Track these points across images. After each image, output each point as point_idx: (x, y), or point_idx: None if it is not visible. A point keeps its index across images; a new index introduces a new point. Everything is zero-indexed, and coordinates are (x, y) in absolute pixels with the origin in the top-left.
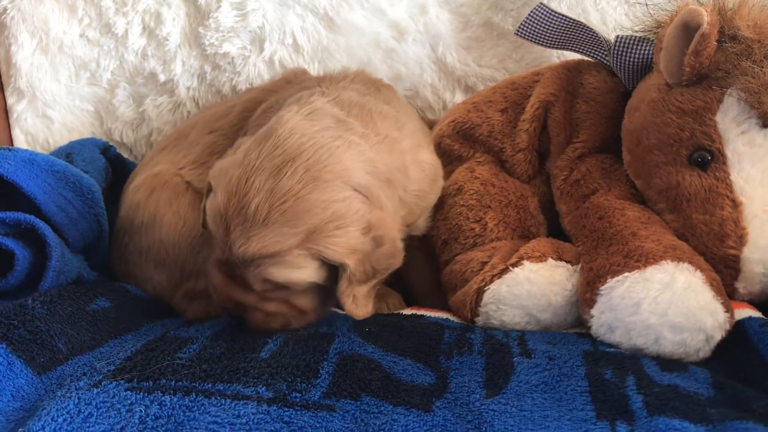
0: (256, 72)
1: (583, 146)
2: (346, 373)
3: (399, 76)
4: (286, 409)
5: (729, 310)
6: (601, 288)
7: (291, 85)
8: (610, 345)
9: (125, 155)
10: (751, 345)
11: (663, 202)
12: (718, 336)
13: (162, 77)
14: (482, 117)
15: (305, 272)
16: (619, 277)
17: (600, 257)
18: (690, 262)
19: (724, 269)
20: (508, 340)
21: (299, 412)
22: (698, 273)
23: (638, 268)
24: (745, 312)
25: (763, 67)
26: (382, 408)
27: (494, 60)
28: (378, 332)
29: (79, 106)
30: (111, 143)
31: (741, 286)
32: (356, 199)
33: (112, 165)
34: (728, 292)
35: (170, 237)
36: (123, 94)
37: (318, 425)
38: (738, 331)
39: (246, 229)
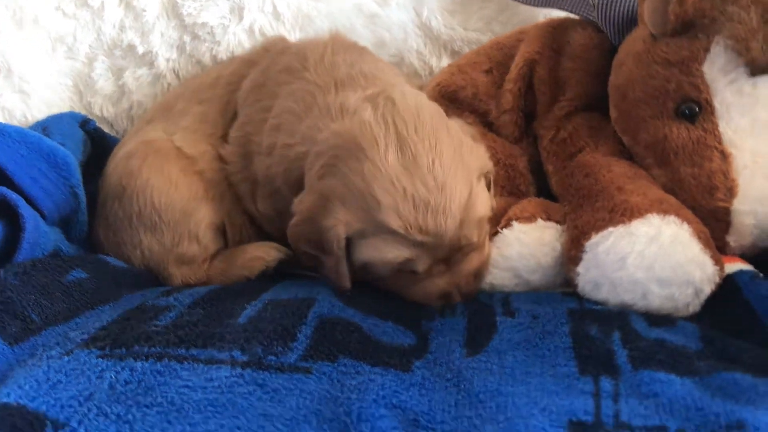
0: (236, 41)
1: (570, 104)
2: (324, 335)
3: (383, 42)
4: (261, 371)
5: (718, 262)
6: (586, 244)
7: (269, 53)
8: (597, 303)
9: (106, 130)
10: (741, 297)
11: (650, 157)
12: (708, 289)
13: (140, 49)
14: (466, 79)
15: (486, 194)
16: (604, 232)
17: (585, 214)
18: (677, 215)
19: (713, 223)
20: (491, 302)
21: (274, 375)
22: (685, 225)
23: (623, 222)
24: (736, 266)
25: (749, 12)
26: (360, 369)
27: (480, 23)
28: (360, 297)
29: (56, 80)
30: (91, 117)
31: (732, 240)
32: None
33: (92, 139)
34: (719, 247)
35: (162, 200)
36: (101, 68)
37: (293, 387)
38: (728, 284)
39: (435, 197)
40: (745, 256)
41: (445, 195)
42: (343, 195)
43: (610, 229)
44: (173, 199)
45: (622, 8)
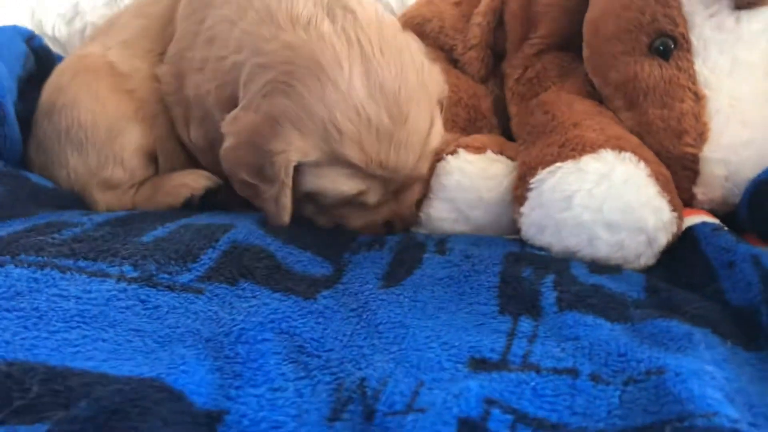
0: None
1: (541, 42)
2: (231, 259)
3: None
4: (147, 288)
5: (677, 209)
6: (531, 181)
7: None
8: (541, 249)
9: (60, 52)
10: (698, 248)
11: (620, 98)
12: (663, 239)
13: None
14: (434, 11)
15: (441, 123)
16: (551, 168)
17: (535, 149)
18: (634, 152)
19: (680, 171)
20: (426, 240)
21: (160, 292)
22: (642, 165)
23: (573, 157)
24: (699, 218)
25: None
26: (258, 293)
27: None
28: (288, 228)
29: None
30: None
31: (700, 192)
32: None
33: (38, 57)
34: (685, 199)
35: (88, 119)
36: None
37: (177, 305)
38: (687, 236)
39: (398, 129)
40: (716, 214)
41: (407, 128)
42: (298, 118)
43: (558, 164)
44: (99, 117)
45: None
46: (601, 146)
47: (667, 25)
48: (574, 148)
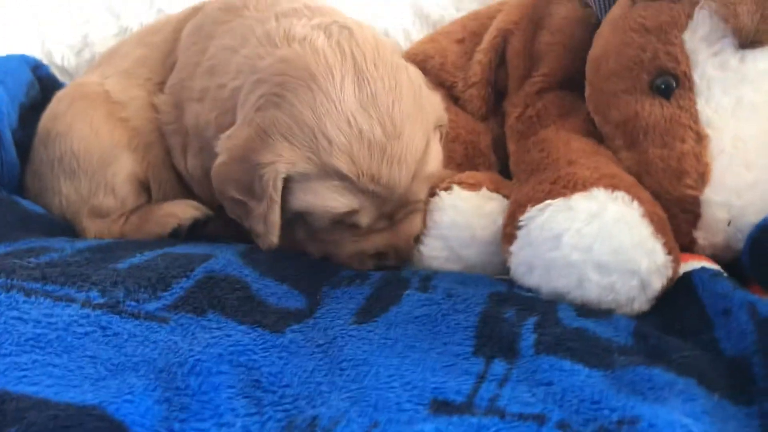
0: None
1: (543, 80)
2: (203, 290)
3: (368, 19)
4: (111, 315)
5: (673, 252)
6: (521, 218)
7: (199, 10)
8: (530, 290)
9: (68, 83)
10: (694, 294)
11: (620, 137)
12: (657, 283)
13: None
14: (437, 48)
15: (439, 149)
16: (541, 205)
17: (527, 186)
18: (628, 192)
19: (680, 213)
20: (410, 276)
21: (123, 320)
22: (635, 204)
23: (564, 194)
24: (698, 263)
25: None
26: (223, 324)
27: (474, 4)
28: (263, 257)
29: (19, 21)
30: (48, 64)
31: (701, 236)
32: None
33: (43, 85)
34: (686, 243)
35: (81, 147)
36: (66, 15)
37: (138, 333)
38: (684, 281)
39: (392, 143)
40: (720, 261)
41: (402, 142)
42: (289, 129)
43: (548, 201)
44: (92, 145)
45: None
46: (594, 184)
47: (669, 63)
48: (566, 186)
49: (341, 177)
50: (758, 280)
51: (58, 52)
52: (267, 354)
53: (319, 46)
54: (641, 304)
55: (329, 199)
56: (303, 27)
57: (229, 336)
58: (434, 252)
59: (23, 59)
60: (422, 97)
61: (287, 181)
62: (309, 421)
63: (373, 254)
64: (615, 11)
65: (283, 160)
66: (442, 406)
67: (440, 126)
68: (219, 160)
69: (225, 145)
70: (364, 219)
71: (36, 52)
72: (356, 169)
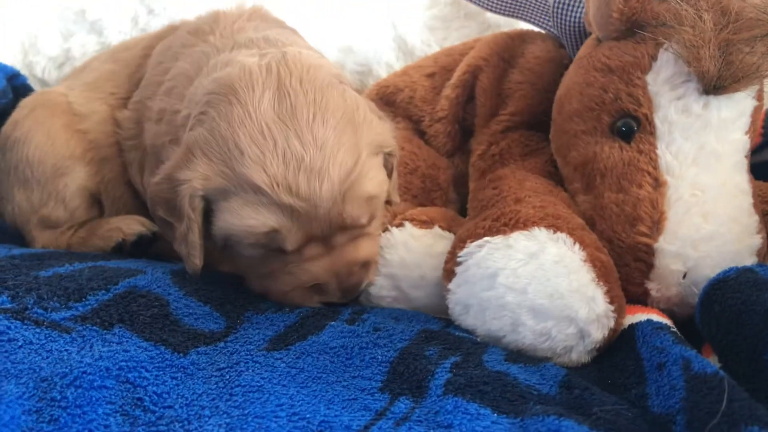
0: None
1: (510, 119)
2: (118, 304)
3: (350, 49)
4: (12, 321)
5: (616, 301)
6: (459, 254)
7: (175, 29)
8: (467, 331)
9: None
10: (634, 347)
11: (578, 180)
12: (597, 333)
13: (91, 16)
14: (406, 81)
15: (381, 173)
16: (480, 241)
17: (471, 222)
18: (570, 234)
19: (633, 262)
20: (345, 309)
21: (25, 326)
22: (577, 248)
23: (503, 232)
24: (645, 315)
25: (704, 17)
26: (126, 340)
27: (459, 40)
28: (198, 281)
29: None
30: (25, 75)
31: (654, 288)
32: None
33: (18, 95)
34: (638, 294)
35: (36, 155)
36: (49, 29)
37: (35, 341)
38: (627, 334)
39: (310, 154)
40: (678, 318)
41: (323, 155)
42: (207, 144)
43: (487, 238)
44: (47, 154)
45: (577, 15)
46: (536, 224)
47: (631, 105)
48: (506, 223)
49: (256, 189)
50: (707, 339)
51: (39, 64)
52: (160, 373)
53: (248, 65)
54: (580, 354)
55: (246, 218)
56: (246, 56)
57: (126, 351)
58: (383, 291)
59: (0, 69)
60: (360, 118)
61: (210, 203)
62: None
63: (314, 287)
64: (582, 50)
65: (199, 176)
66: None
67: (387, 152)
68: (153, 180)
69: (162, 167)
70: (290, 240)
71: (17, 64)
72: (269, 180)
